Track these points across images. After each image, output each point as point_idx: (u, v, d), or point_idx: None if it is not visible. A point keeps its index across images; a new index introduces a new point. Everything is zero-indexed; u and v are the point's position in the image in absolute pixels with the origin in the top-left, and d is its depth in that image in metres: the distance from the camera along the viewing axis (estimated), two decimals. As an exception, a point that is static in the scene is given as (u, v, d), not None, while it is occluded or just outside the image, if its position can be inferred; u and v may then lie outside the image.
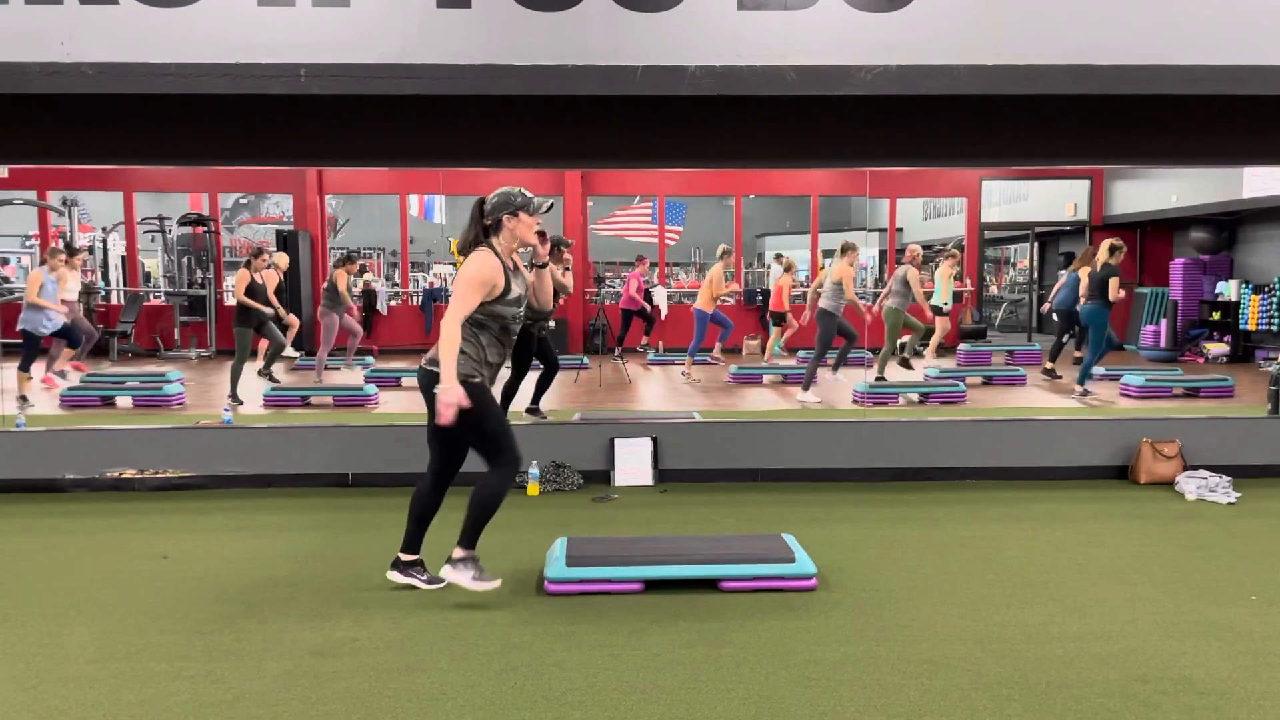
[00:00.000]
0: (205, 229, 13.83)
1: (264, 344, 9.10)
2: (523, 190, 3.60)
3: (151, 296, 14.35)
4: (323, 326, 9.94)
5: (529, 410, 7.00)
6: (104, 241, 15.07)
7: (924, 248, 10.50)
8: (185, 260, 14.43)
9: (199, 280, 13.76)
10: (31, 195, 13.71)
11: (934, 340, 10.91)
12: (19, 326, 8.65)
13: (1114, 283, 8.70)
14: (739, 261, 15.48)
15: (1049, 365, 10.21)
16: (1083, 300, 9.11)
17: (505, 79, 4.04)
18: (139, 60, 3.98)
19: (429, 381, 3.53)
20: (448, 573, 3.63)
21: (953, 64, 4.08)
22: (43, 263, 9.14)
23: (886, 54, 4.08)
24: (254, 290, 8.69)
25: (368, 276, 17.20)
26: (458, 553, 3.62)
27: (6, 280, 16.92)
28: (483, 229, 3.59)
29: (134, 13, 4.00)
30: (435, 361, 3.49)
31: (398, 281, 17.07)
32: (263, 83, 4.00)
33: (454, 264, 19.97)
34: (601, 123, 4.72)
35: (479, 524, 3.60)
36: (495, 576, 3.65)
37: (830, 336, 8.73)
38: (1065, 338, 10.48)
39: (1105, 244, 8.93)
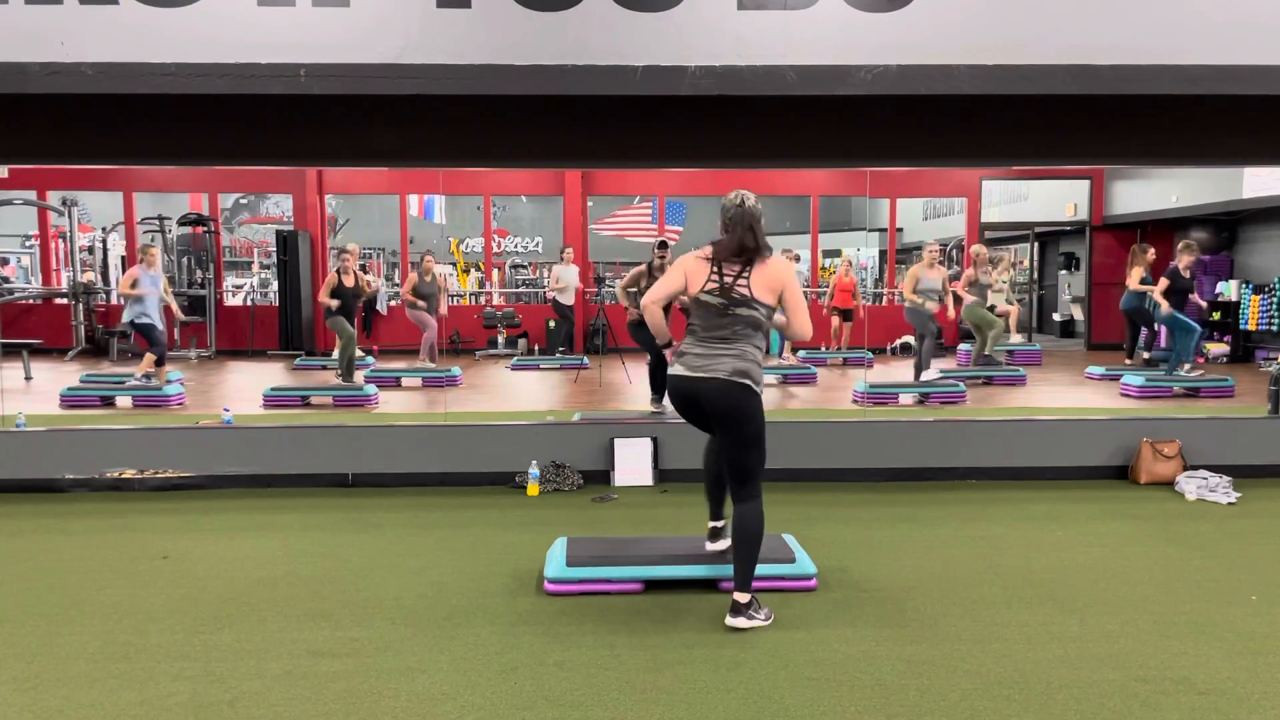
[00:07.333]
0: (205, 229, 13.82)
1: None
2: None
3: (152, 296, 14.32)
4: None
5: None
6: (104, 241, 15.07)
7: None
8: (185, 260, 14.43)
9: (199, 280, 13.74)
10: (31, 195, 13.71)
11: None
12: (127, 320, 9.03)
13: None
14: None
15: None
16: None
17: (505, 79, 4.04)
18: (139, 60, 3.99)
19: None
20: None
21: (953, 64, 4.08)
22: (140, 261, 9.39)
23: (886, 54, 4.08)
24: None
25: (368, 276, 17.17)
26: None
27: (6, 280, 16.91)
28: None
29: (134, 13, 4.00)
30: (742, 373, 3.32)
31: (397, 281, 17.06)
32: (263, 83, 4.00)
33: (453, 264, 19.82)
34: (601, 123, 4.72)
35: None
36: None
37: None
38: None
39: None
